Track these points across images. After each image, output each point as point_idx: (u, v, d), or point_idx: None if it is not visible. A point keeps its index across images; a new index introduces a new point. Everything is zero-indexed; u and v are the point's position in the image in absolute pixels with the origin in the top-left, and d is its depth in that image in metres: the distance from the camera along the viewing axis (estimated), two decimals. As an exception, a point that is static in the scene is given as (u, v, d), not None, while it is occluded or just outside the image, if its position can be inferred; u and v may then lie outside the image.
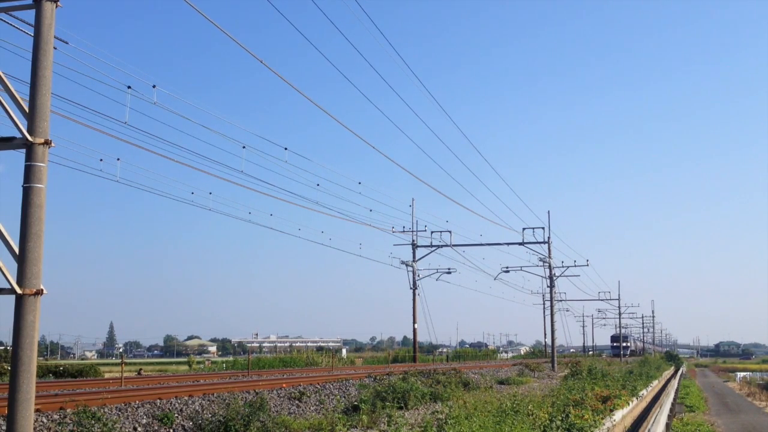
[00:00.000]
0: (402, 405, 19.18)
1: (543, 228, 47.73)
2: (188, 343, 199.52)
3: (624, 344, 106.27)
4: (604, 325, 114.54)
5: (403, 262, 49.02)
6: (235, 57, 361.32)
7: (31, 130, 8.29)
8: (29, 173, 8.23)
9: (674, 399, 50.71)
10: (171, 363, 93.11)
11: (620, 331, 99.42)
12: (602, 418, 19.27)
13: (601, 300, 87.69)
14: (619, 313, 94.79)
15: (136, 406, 14.16)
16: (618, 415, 22.76)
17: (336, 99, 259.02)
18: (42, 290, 8.16)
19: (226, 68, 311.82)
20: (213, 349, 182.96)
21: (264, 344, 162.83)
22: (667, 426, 33.16)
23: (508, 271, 54.47)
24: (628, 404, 27.04)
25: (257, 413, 14.17)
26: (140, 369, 48.90)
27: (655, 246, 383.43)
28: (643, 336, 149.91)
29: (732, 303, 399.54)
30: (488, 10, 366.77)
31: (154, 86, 19.76)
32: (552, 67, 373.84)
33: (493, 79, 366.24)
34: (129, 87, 19.04)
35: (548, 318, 62.08)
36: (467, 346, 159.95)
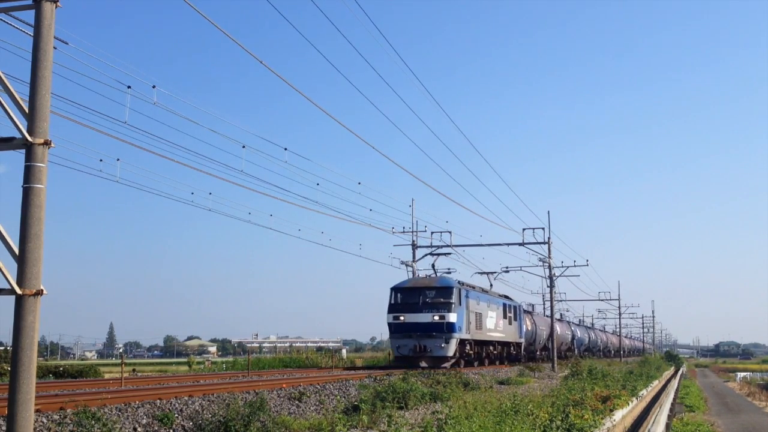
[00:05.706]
0: (402, 405, 19.17)
1: (543, 228, 47.49)
2: (188, 343, 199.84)
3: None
4: (605, 325, 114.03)
5: (403, 263, 48.97)
6: (235, 57, 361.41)
7: (30, 131, 8.28)
8: (29, 173, 8.22)
9: (674, 399, 50.70)
10: (171, 363, 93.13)
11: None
12: (602, 418, 19.26)
13: (601, 300, 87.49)
14: (619, 314, 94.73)
15: (136, 406, 14.14)
16: (618, 415, 22.76)
17: (336, 99, 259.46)
18: (42, 291, 8.15)
19: (226, 68, 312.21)
20: (213, 349, 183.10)
21: (264, 344, 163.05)
22: (667, 426, 33.16)
23: (507, 271, 53.95)
24: (628, 404, 27.03)
25: (257, 413, 14.16)
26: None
27: (655, 246, 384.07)
28: (643, 335, 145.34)
29: (732, 303, 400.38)
30: (488, 10, 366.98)
31: (154, 86, 19.73)
32: (552, 66, 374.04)
33: (492, 79, 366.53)
34: (129, 87, 19.03)
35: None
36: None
